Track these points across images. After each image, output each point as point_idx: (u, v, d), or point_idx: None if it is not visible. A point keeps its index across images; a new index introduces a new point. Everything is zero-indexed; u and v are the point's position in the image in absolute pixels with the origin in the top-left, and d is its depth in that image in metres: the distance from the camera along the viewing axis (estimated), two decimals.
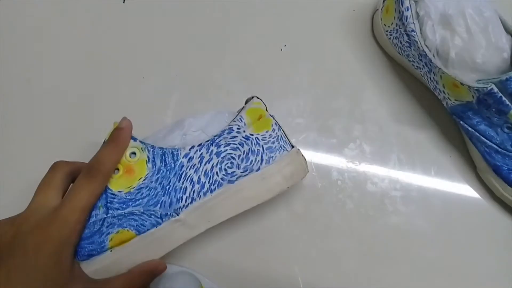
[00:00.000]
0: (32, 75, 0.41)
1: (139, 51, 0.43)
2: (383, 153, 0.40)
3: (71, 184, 0.29)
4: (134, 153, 0.29)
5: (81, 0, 0.45)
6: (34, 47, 0.43)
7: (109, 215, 0.27)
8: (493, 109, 0.33)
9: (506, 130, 0.34)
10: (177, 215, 0.28)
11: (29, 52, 0.43)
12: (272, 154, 0.31)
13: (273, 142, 0.31)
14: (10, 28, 0.43)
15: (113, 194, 0.28)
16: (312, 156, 0.39)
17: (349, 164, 0.39)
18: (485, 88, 0.32)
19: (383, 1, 0.41)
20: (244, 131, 0.31)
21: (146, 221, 0.28)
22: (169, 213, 0.28)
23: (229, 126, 0.31)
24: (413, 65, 0.39)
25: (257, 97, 0.33)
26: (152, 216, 0.28)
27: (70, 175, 0.29)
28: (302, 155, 0.33)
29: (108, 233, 0.27)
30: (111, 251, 0.27)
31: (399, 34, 0.38)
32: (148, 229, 0.28)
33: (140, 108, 0.40)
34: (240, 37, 0.44)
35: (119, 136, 0.28)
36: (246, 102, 0.34)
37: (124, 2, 0.45)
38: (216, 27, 0.44)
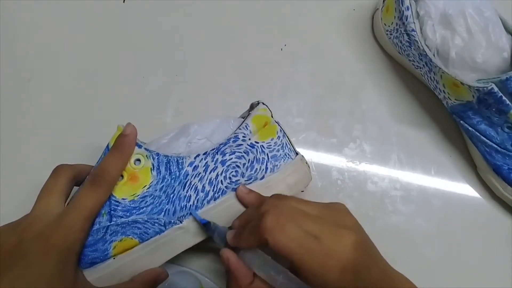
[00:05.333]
0: (32, 75, 0.41)
1: (139, 51, 0.43)
2: (383, 152, 0.40)
3: (74, 187, 0.29)
4: (138, 160, 0.28)
5: (81, 0, 0.45)
6: (34, 47, 0.43)
7: (112, 222, 0.27)
8: (493, 109, 0.33)
9: (506, 129, 0.34)
10: (180, 222, 0.28)
11: (29, 52, 0.43)
12: (276, 163, 0.31)
13: (278, 150, 0.31)
14: (10, 28, 0.43)
15: (117, 202, 0.27)
16: (312, 155, 0.39)
17: (349, 164, 0.39)
18: (485, 88, 0.32)
19: (383, 1, 0.41)
20: (249, 139, 0.31)
21: (149, 229, 0.28)
22: (172, 221, 0.28)
23: (235, 134, 0.30)
24: (413, 64, 0.39)
25: (263, 103, 0.33)
26: (156, 224, 0.28)
27: (73, 179, 0.28)
28: (306, 163, 0.33)
29: (112, 241, 0.27)
30: (114, 258, 0.27)
31: (399, 34, 0.38)
32: (151, 237, 0.28)
33: (140, 108, 0.40)
34: (240, 37, 0.44)
35: (124, 143, 0.28)
36: (251, 107, 0.34)
37: (124, 2, 0.45)
38: (216, 27, 0.44)
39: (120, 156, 0.28)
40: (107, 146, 0.28)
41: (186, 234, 0.29)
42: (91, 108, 0.40)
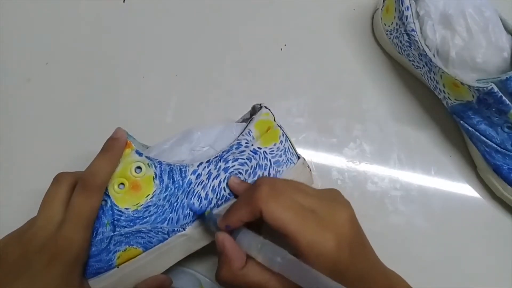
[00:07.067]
0: (32, 75, 0.41)
1: (139, 51, 0.43)
2: (383, 152, 0.40)
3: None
4: (139, 167, 0.28)
5: (81, 0, 0.45)
6: (34, 47, 0.43)
7: (116, 233, 0.27)
8: (493, 109, 0.33)
9: (506, 129, 0.34)
10: (183, 229, 0.28)
11: (29, 52, 0.43)
12: (279, 168, 0.31)
13: (281, 156, 0.31)
14: (10, 28, 0.43)
15: (120, 211, 0.27)
16: (312, 155, 0.39)
17: (349, 164, 0.39)
18: (485, 88, 0.32)
19: (383, 1, 0.41)
20: (252, 145, 0.30)
21: (153, 238, 0.28)
22: (176, 229, 0.28)
23: (238, 141, 0.30)
24: (413, 64, 0.39)
25: (265, 107, 0.32)
26: (159, 233, 0.28)
27: (74, 186, 0.28)
28: (308, 166, 0.33)
29: (116, 251, 0.27)
30: (118, 267, 0.27)
31: (399, 34, 0.38)
32: (154, 245, 0.28)
33: (140, 108, 0.40)
34: (240, 36, 0.44)
35: (113, 146, 0.28)
36: (254, 109, 0.33)
37: (124, 1, 0.45)
38: (216, 27, 0.44)
39: (110, 159, 0.27)
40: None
41: (189, 241, 0.29)
42: (91, 108, 0.40)
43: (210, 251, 0.34)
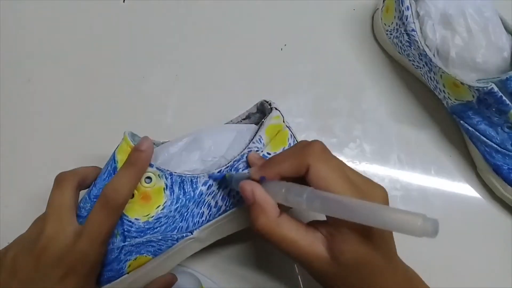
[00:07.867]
0: (32, 75, 0.41)
1: (139, 51, 0.43)
2: (383, 152, 0.40)
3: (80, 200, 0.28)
4: (149, 177, 0.27)
5: (81, 0, 0.45)
6: (34, 47, 0.43)
7: (126, 243, 0.27)
8: (493, 109, 0.33)
9: (506, 129, 0.34)
10: (191, 233, 0.29)
11: (29, 52, 0.43)
12: None
13: None
14: (10, 28, 0.43)
15: (130, 222, 0.27)
16: None
17: (349, 164, 0.39)
18: (485, 88, 0.32)
19: (383, 1, 0.41)
20: (262, 151, 0.30)
21: (163, 246, 0.28)
22: (184, 234, 0.28)
23: (249, 149, 0.30)
24: (413, 64, 0.39)
25: (276, 108, 0.31)
26: (169, 240, 0.28)
27: (78, 187, 0.28)
28: None
29: (126, 260, 0.27)
30: (128, 274, 0.28)
31: (399, 34, 0.38)
32: (163, 251, 0.28)
33: (140, 108, 0.40)
34: (240, 36, 0.44)
35: (139, 160, 0.26)
36: (262, 105, 0.33)
37: (124, 1, 0.45)
38: (216, 27, 0.44)
39: (135, 174, 0.26)
40: (114, 156, 0.28)
41: (195, 242, 0.29)
42: (91, 108, 0.40)
43: (210, 251, 0.34)
